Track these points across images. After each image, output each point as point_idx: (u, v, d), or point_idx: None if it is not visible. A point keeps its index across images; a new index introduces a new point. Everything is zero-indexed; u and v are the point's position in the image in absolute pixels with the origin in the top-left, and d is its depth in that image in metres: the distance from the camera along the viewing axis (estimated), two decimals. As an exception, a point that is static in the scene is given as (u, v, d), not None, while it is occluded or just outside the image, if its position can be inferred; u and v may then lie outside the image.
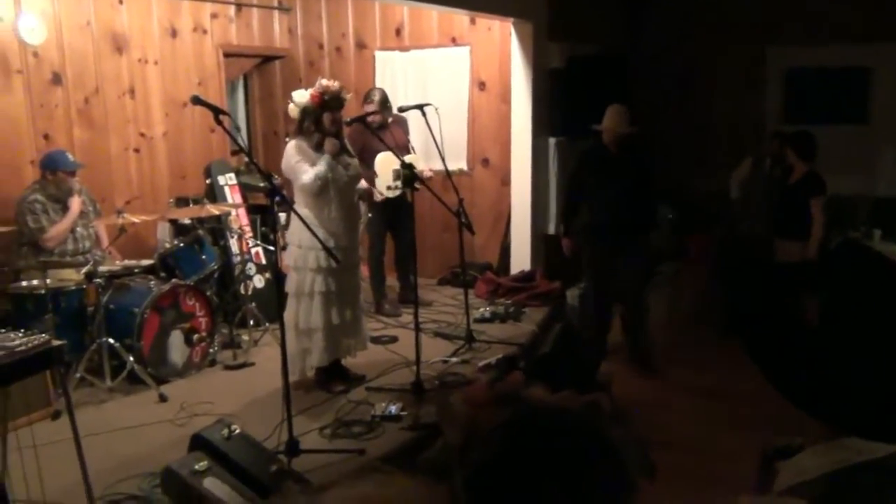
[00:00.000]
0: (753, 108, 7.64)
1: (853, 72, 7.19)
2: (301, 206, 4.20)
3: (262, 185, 5.68)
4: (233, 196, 6.10)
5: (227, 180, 6.14)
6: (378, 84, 6.88)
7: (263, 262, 5.99)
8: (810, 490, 1.08)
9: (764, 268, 5.37)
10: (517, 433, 0.85)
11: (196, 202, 5.62)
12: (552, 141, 6.72)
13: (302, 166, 4.14)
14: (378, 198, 5.68)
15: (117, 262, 5.07)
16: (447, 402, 4.16)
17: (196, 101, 3.44)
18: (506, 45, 6.58)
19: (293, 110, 4.24)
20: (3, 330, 3.10)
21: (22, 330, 3.04)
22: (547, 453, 0.83)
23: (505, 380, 4.00)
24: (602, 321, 5.21)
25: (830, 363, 1.08)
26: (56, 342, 3.02)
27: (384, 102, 5.85)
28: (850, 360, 1.06)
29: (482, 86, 6.85)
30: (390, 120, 5.89)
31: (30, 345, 2.88)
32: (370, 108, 5.72)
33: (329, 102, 4.14)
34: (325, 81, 4.19)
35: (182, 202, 5.71)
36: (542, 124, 6.59)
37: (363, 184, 4.66)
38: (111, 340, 4.46)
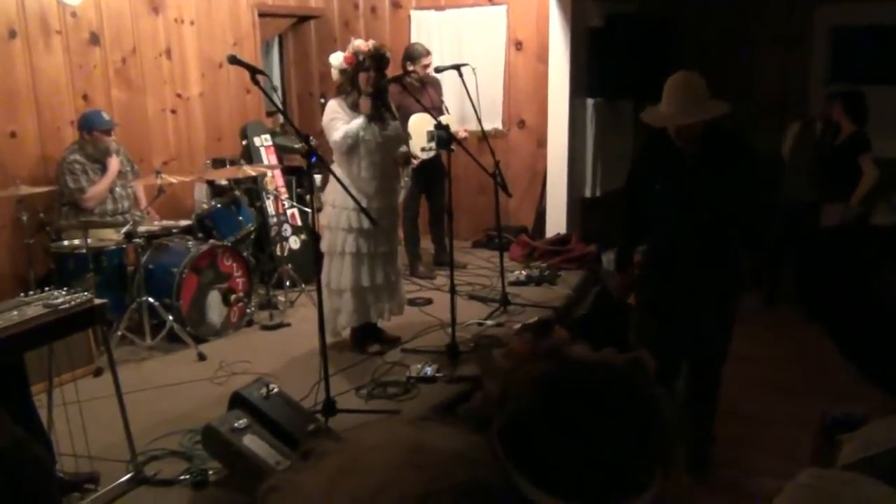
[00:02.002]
0: (799, 68, 7.43)
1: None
2: (335, 165, 4.21)
3: (297, 146, 5.68)
4: (268, 157, 6.12)
5: (263, 141, 6.15)
6: (413, 44, 6.81)
7: (299, 223, 6.02)
8: (877, 465, 1.05)
9: (818, 235, 5.21)
10: (556, 385, 0.83)
11: (232, 163, 5.63)
12: (590, 102, 6.61)
13: (336, 124, 4.15)
14: (413, 163, 5.65)
15: (155, 222, 5.12)
16: (489, 354, 4.16)
17: (233, 60, 3.42)
18: (543, 3, 6.45)
19: (333, 73, 4.25)
20: (47, 288, 3.16)
21: (65, 288, 3.09)
22: (586, 406, 0.81)
23: (549, 336, 3.99)
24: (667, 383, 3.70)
25: None
26: (98, 301, 3.06)
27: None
28: None
29: (519, 45, 6.74)
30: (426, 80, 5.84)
31: (73, 303, 2.93)
32: (429, 59, 5.69)
33: (363, 63, 4.11)
34: (357, 42, 4.16)
35: (218, 163, 5.74)
36: (580, 85, 6.48)
37: (404, 147, 4.62)
38: (151, 300, 4.52)
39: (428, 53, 5.74)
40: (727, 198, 3.35)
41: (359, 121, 4.12)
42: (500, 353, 4.35)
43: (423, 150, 5.73)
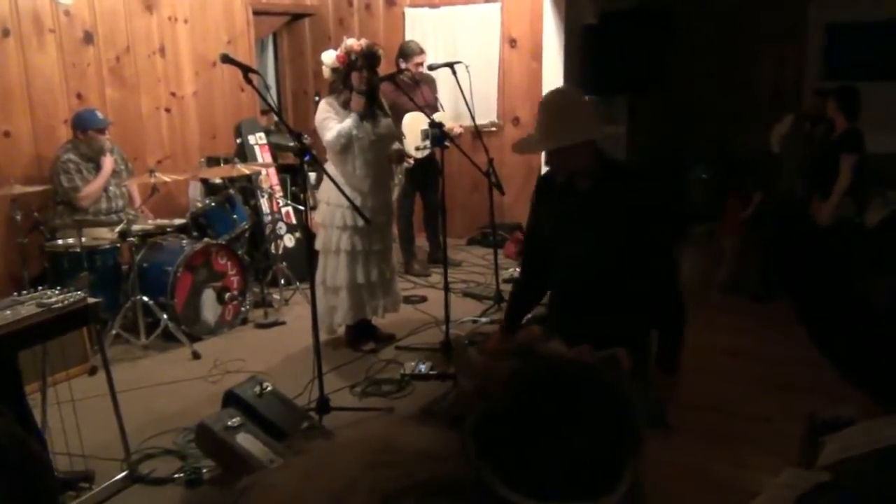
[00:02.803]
0: (794, 64, 7.45)
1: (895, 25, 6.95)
2: (328, 164, 4.22)
3: (291, 144, 5.68)
4: (263, 155, 6.12)
5: (258, 140, 6.15)
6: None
7: (293, 221, 6.02)
8: (855, 466, 1.06)
9: (803, 231, 5.22)
10: (528, 383, 0.84)
11: (226, 161, 5.64)
12: (584, 99, 6.60)
13: (328, 123, 4.16)
14: (407, 164, 5.65)
15: (150, 220, 5.12)
16: (463, 351, 4.12)
17: (225, 59, 3.42)
18: (537, 0, 6.45)
19: (325, 71, 4.26)
20: (40, 287, 3.16)
21: (58, 287, 3.09)
22: (558, 405, 0.82)
23: (522, 332, 3.97)
24: None
25: None
26: (92, 300, 3.07)
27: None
28: None
29: (513, 43, 6.74)
30: (419, 78, 5.83)
31: (66, 302, 2.93)
32: (422, 58, 5.68)
33: (355, 62, 4.12)
34: (350, 41, 4.16)
35: (213, 161, 5.74)
36: (575, 82, 6.48)
37: (397, 145, 4.62)
38: (145, 298, 4.53)
39: (421, 52, 5.74)
40: (628, 249, 2.62)
41: (350, 120, 4.12)
42: (473, 349, 4.35)
43: (417, 148, 5.74)
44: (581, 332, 2.62)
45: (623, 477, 0.81)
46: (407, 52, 5.76)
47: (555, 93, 2.86)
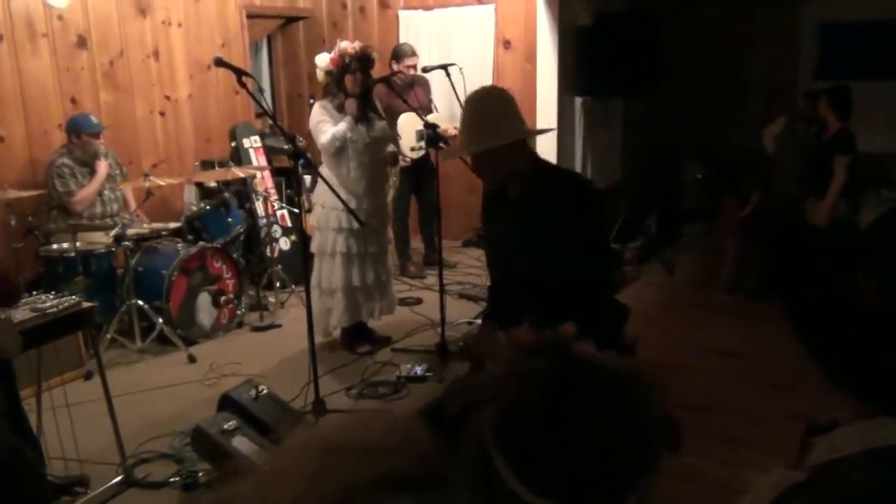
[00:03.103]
0: (787, 64, 7.47)
1: (888, 25, 6.98)
2: (323, 167, 4.22)
3: (286, 147, 5.68)
4: (258, 159, 6.11)
5: (252, 143, 6.15)
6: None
7: (289, 224, 6.02)
8: (844, 466, 1.06)
9: (799, 231, 5.23)
10: (560, 384, 0.84)
11: (221, 165, 5.63)
12: (578, 101, 6.63)
13: (323, 126, 4.16)
14: (403, 163, 5.65)
15: (145, 224, 5.12)
16: (493, 334, 4.07)
17: (219, 62, 3.42)
18: (531, 2, 6.46)
19: (319, 74, 4.26)
20: (34, 292, 3.16)
21: (53, 292, 3.09)
22: (587, 410, 0.82)
23: (554, 329, 3.94)
24: None
25: (886, 346, 1.04)
26: (86, 304, 3.07)
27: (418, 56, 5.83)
28: None
29: (507, 45, 6.75)
30: (412, 80, 5.84)
31: (61, 307, 2.93)
32: (413, 61, 5.68)
33: (349, 65, 4.12)
34: (344, 44, 4.17)
35: (207, 165, 5.74)
36: (569, 83, 6.49)
37: (393, 147, 4.63)
38: (140, 302, 4.52)
39: (413, 54, 5.74)
40: (559, 254, 2.49)
41: (344, 123, 4.13)
42: (503, 335, 4.36)
43: (412, 149, 5.74)
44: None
45: (635, 491, 0.81)
46: (399, 53, 5.77)
47: (477, 94, 2.69)
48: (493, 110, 2.52)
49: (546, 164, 2.67)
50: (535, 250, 2.54)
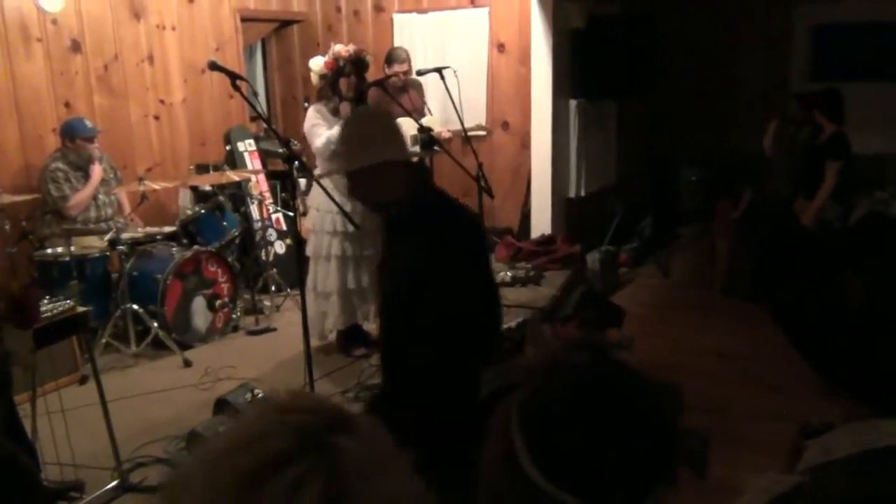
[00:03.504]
0: (781, 67, 7.50)
1: (881, 27, 7.01)
2: (317, 170, 4.22)
3: (281, 150, 5.69)
4: (252, 162, 6.11)
5: (247, 146, 6.15)
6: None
7: (284, 227, 6.02)
8: (837, 469, 1.07)
9: (792, 233, 5.26)
10: (591, 379, 0.85)
11: (216, 169, 5.63)
12: (573, 103, 6.63)
13: (317, 130, 4.17)
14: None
15: (139, 229, 5.11)
16: (538, 326, 4.09)
17: (213, 66, 3.42)
18: (525, 5, 6.47)
19: (313, 78, 4.26)
20: (28, 297, 3.15)
21: (47, 297, 3.08)
22: (613, 409, 0.83)
23: (600, 331, 3.95)
24: None
25: (874, 344, 1.05)
26: (81, 308, 3.06)
27: (410, 61, 5.81)
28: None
29: (501, 48, 6.76)
30: (406, 83, 5.84)
31: (56, 311, 2.92)
32: (402, 67, 5.67)
33: (343, 69, 4.12)
34: (338, 47, 4.17)
35: (202, 169, 5.73)
36: (563, 86, 6.51)
37: None
38: (135, 306, 4.52)
39: (404, 60, 5.72)
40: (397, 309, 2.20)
41: (339, 127, 4.13)
42: (548, 328, 4.41)
43: (407, 153, 5.74)
44: None
45: (648, 499, 0.82)
46: (390, 57, 5.78)
47: (357, 113, 2.50)
48: (368, 131, 2.37)
49: (431, 195, 2.39)
50: (383, 287, 2.29)
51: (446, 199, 2.39)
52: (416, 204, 2.30)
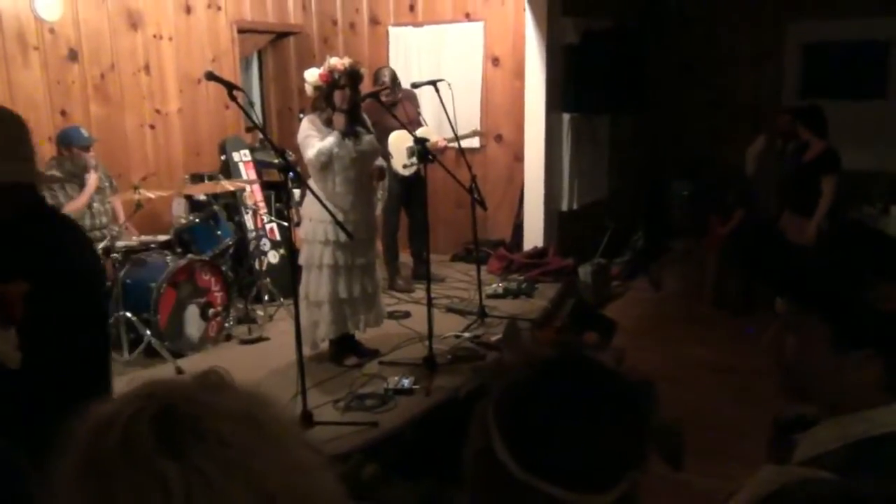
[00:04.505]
0: (771, 83, 7.58)
1: (872, 46, 7.10)
2: (311, 180, 4.26)
3: (276, 161, 5.72)
4: (247, 172, 6.14)
5: (242, 157, 6.17)
6: (392, 60, 6.88)
7: (278, 237, 6.04)
8: (830, 461, 1.11)
9: (781, 248, 5.31)
10: (555, 367, 0.89)
11: (211, 178, 5.66)
12: (566, 117, 6.69)
13: (310, 141, 4.20)
14: (403, 171, 5.70)
15: (133, 237, 5.13)
16: (517, 327, 4.14)
17: (210, 76, 3.46)
18: (520, 20, 6.54)
19: (308, 89, 4.30)
20: (22, 303, 3.16)
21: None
22: (576, 393, 0.86)
23: (580, 334, 4.01)
24: None
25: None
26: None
27: (394, 80, 5.85)
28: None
29: (496, 61, 6.82)
30: (400, 95, 5.89)
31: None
32: (381, 85, 5.71)
33: (338, 81, 4.16)
34: (333, 60, 4.21)
35: (197, 178, 5.76)
36: (556, 100, 6.57)
37: (381, 161, 4.67)
38: (128, 314, 4.53)
39: (384, 80, 5.74)
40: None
41: (332, 138, 4.16)
42: (528, 333, 4.48)
43: (404, 166, 5.79)
44: None
45: (618, 485, 0.85)
46: (375, 76, 5.83)
47: None
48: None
49: (30, 218, 2.00)
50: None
51: (43, 223, 2.03)
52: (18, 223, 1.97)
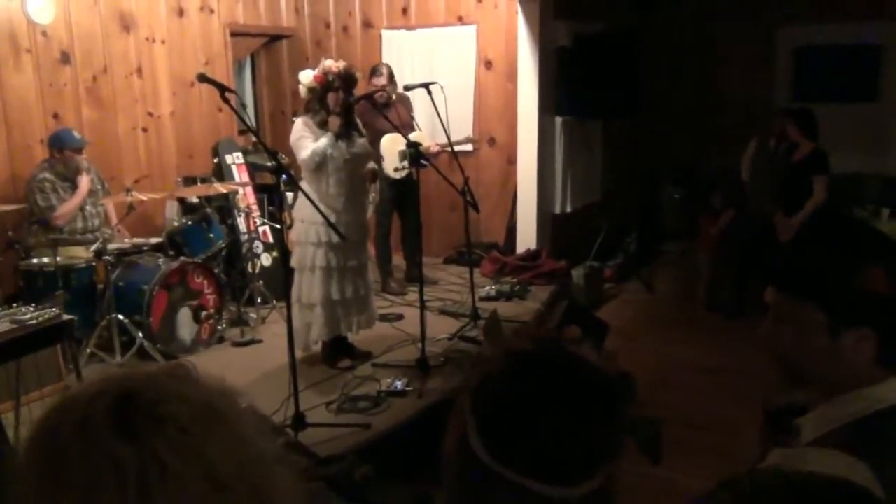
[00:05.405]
0: (763, 87, 7.61)
1: (863, 49, 7.14)
2: (303, 182, 4.26)
3: (269, 164, 5.72)
4: (240, 175, 6.14)
5: (235, 159, 6.17)
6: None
7: (270, 240, 6.04)
8: (835, 439, 1.15)
9: (771, 244, 5.32)
10: (531, 356, 0.89)
11: (204, 181, 5.65)
12: (559, 120, 6.71)
13: (303, 142, 4.20)
14: (395, 175, 5.71)
15: (126, 239, 5.12)
16: (498, 325, 4.15)
17: (202, 78, 3.46)
18: (512, 23, 6.56)
19: (302, 90, 4.30)
20: (14, 305, 3.16)
21: (33, 305, 3.09)
22: (552, 385, 0.86)
23: (561, 329, 4.03)
24: None
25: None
26: (66, 316, 3.07)
27: (391, 77, 5.87)
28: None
29: (489, 65, 6.84)
30: (394, 97, 5.90)
31: (41, 319, 2.94)
32: (380, 81, 5.72)
33: (332, 83, 4.17)
34: (328, 63, 4.22)
35: (190, 181, 5.75)
36: (549, 103, 6.59)
37: (372, 164, 4.67)
38: (121, 317, 4.52)
39: (381, 74, 5.79)
40: None
41: (325, 139, 4.17)
42: (509, 328, 4.50)
43: (396, 169, 5.79)
44: None
45: (594, 476, 0.85)
46: (371, 71, 5.86)
47: None
48: None
49: None
50: None
51: None
52: None
